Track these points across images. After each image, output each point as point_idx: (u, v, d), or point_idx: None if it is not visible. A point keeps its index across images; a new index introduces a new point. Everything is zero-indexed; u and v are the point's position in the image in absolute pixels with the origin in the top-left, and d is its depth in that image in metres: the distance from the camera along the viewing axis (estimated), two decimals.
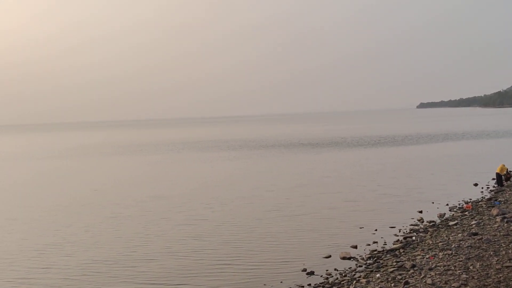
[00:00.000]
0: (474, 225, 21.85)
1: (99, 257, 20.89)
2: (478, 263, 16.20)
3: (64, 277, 18.45)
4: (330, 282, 16.69)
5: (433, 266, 16.56)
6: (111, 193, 38.42)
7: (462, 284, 14.53)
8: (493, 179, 34.84)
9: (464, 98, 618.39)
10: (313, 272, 17.89)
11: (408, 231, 22.91)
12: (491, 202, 27.23)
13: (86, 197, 36.48)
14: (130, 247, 22.22)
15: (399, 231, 23.03)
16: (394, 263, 17.63)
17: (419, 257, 18.03)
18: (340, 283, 16.51)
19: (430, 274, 15.71)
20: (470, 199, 29.54)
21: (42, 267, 19.76)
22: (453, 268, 16.10)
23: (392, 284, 15.42)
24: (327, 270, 17.99)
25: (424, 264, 16.98)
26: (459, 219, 23.88)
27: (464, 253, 17.61)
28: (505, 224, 21.16)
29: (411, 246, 20.04)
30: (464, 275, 15.20)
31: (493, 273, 15.15)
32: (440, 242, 19.72)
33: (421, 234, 21.87)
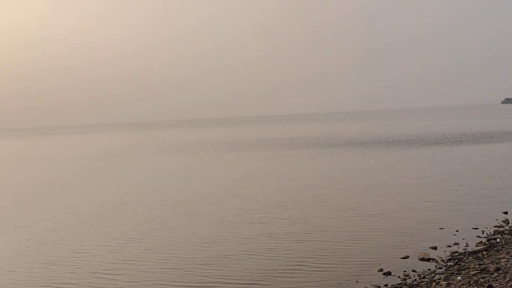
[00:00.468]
0: None
1: (176, 252, 21.43)
2: None
3: (143, 271, 19.07)
4: (407, 283, 16.12)
5: None
6: (187, 191, 39.39)
7: None
8: None
9: None
10: (390, 272, 17.36)
11: (492, 232, 21.73)
12: None
13: (164, 194, 37.65)
14: (205, 244, 22.65)
15: (482, 233, 21.90)
16: (477, 266, 16.75)
17: (504, 260, 17.02)
18: (418, 284, 15.90)
19: None
20: None
21: (122, 261, 20.55)
22: None
23: (475, 287, 14.65)
24: (404, 271, 17.41)
25: (510, 267, 16.01)
26: None
27: None
28: None
29: (495, 248, 18.97)
30: None
31: None
32: None
33: (506, 236, 20.67)
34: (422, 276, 16.74)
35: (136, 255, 21.37)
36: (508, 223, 23.26)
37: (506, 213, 25.42)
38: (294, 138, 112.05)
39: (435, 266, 17.75)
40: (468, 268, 16.83)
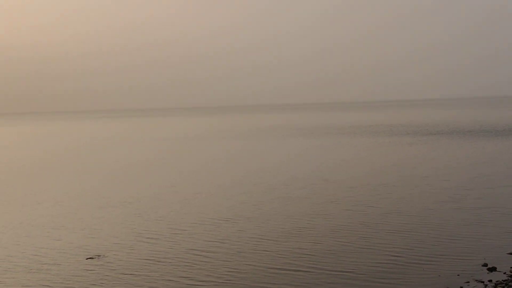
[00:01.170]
0: None
1: (268, 235, 21.55)
2: None
3: (236, 251, 19.38)
4: None
5: None
6: (282, 174, 39.50)
7: None
8: None
9: None
10: (495, 268, 16.22)
11: None
12: None
13: (259, 177, 38.07)
14: (297, 228, 22.56)
15: None
16: None
17: None
18: None
19: None
20: None
21: (217, 240, 21.03)
22: None
23: None
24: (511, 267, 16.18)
25: None
26: None
27: None
28: None
29: None
30: None
31: None
32: None
33: None
34: None
35: (230, 235, 21.77)
36: None
37: None
38: (392, 125, 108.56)
39: None
40: None
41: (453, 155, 49.61)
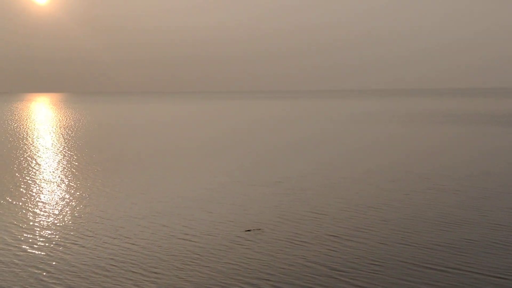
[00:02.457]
0: None
1: (416, 228, 20.51)
2: None
3: (380, 242, 18.80)
4: None
5: None
6: (436, 163, 37.29)
7: None
8: None
9: None
10: None
11: None
12: None
13: (412, 164, 36.43)
14: (447, 222, 21.13)
15: None
16: None
17: None
18: None
19: None
20: None
21: (360, 228, 20.57)
22: None
23: None
24: None
25: None
26: None
27: None
28: None
29: None
30: None
31: None
32: None
33: None
34: None
35: (374, 224, 21.20)
36: None
37: None
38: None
39: None
40: None
41: None
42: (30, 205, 25.38)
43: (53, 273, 15.86)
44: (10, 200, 26.51)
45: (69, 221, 22.17)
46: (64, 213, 23.51)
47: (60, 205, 25.16)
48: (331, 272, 15.70)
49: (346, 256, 17.18)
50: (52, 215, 23.17)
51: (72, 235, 20.07)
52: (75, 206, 24.90)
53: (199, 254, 17.49)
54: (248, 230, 20.33)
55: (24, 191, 28.97)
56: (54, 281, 15.17)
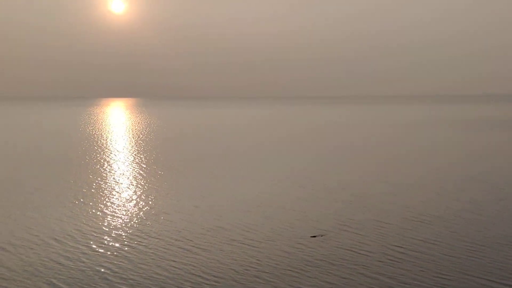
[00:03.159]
0: None
1: (486, 241, 19.49)
2: None
3: (447, 254, 18.00)
4: None
5: None
6: (502, 170, 35.38)
7: None
8: None
9: None
10: None
11: None
12: None
13: (485, 174, 34.80)
14: None
15: None
16: None
17: None
18: None
19: None
20: None
21: (425, 240, 19.78)
22: None
23: None
24: None
25: None
26: None
27: None
28: None
29: None
30: None
31: None
32: None
33: None
34: None
35: (441, 236, 20.31)
36: None
37: None
38: None
39: None
40: None
41: None
42: (100, 205, 26.38)
43: (117, 272, 16.34)
44: (82, 200, 27.67)
45: (135, 222, 22.83)
46: (130, 214, 24.25)
47: (127, 206, 25.97)
48: (395, 284, 15.19)
49: (410, 268, 16.56)
50: (119, 216, 23.95)
51: (137, 235, 20.63)
52: (142, 208, 25.62)
53: (259, 259, 17.46)
54: (314, 236, 20.19)
55: (95, 191, 30.16)
56: (118, 280, 15.63)
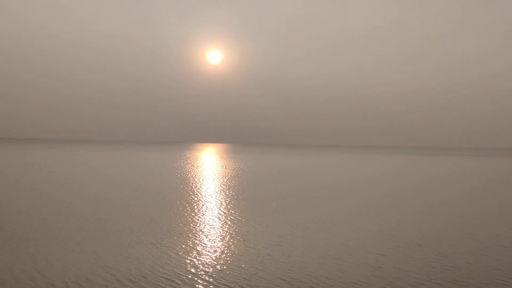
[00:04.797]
0: None
1: None
2: None
3: None
4: None
5: None
6: None
7: None
8: None
9: None
10: None
11: None
12: None
13: None
14: None
15: None
16: None
17: None
18: None
19: None
20: None
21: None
22: None
23: None
24: None
25: None
26: None
27: None
28: None
29: None
30: None
31: None
32: None
33: None
34: None
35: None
36: None
37: None
38: None
39: None
40: None
41: None
42: (193, 241, 26.93)
43: None
44: (176, 238, 28.41)
45: (202, 269, 22.99)
46: (197, 262, 24.48)
47: (198, 251, 26.30)
48: None
49: None
50: (189, 262, 24.25)
51: (203, 285, 20.74)
52: (214, 252, 25.82)
53: None
54: None
55: (191, 227, 30.90)
56: None
